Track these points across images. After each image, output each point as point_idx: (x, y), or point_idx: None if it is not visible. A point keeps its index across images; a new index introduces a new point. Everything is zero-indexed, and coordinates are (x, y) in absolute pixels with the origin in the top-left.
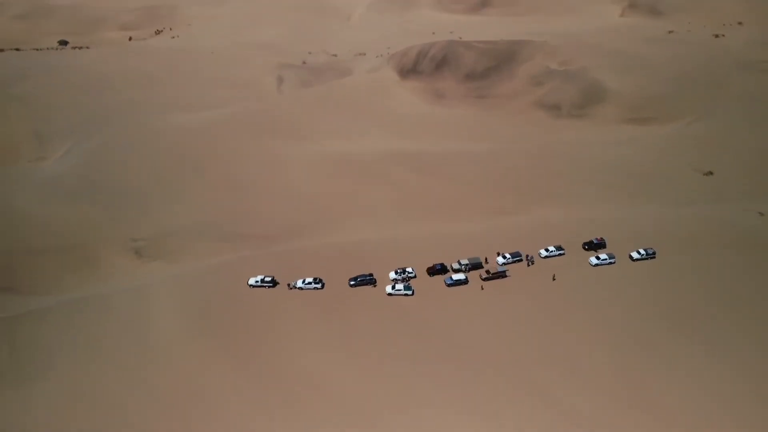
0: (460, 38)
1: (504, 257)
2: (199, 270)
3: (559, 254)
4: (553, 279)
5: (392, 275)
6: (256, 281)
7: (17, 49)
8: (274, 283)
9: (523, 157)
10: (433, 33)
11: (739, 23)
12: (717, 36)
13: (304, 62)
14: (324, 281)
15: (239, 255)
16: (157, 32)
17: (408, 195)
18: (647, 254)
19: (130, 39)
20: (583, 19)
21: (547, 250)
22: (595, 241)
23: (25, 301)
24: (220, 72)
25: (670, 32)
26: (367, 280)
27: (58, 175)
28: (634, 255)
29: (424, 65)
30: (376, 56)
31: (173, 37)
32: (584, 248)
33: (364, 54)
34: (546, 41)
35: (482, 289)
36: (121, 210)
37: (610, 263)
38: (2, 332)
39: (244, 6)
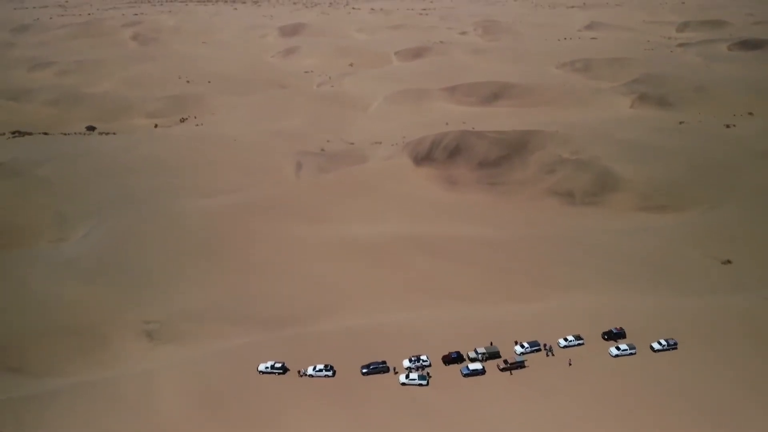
0: (473, 128)
1: (522, 346)
2: (209, 354)
3: (579, 344)
4: (569, 364)
5: (406, 363)
6: (266, 367)
7: (45, 134)
8: (284, 369)
9: (537, 243)
10: (447, 123)
11: (750, 114)
12: (728, 126)
13: (322, 149)
14: (335, 368)
15: (250, 339)
16: (182, 120)
17: (423, 279)
18: (669, 345)
19: (156, 126)
20: (593, 110)
21: (566, 339)
22: (614, 331)
23: (33, 383)
24: (241, 158)
25: (681, 123)
26: (380, 368)
27: (76, 256)
28: (655, 346)
29: (438, 153)
30: (392, 144)
31: (197, 125)
32: (603, 338)
33: (381, 142)
34: (557, 131)
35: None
36: (135, 292)
37: (631, 353)
38: (8, 414)
39: (266, 96)
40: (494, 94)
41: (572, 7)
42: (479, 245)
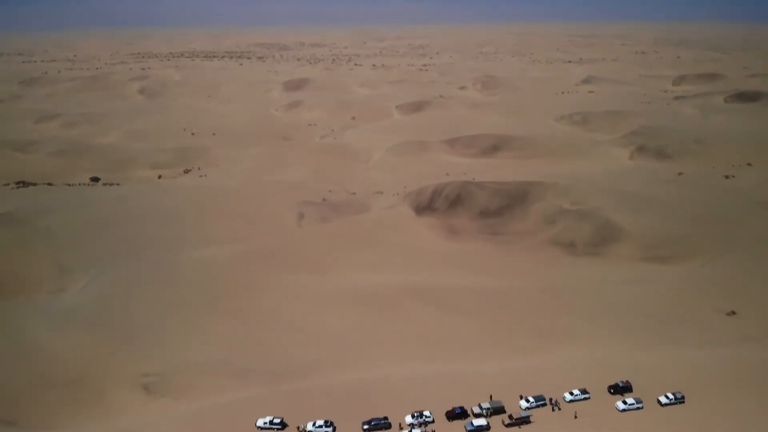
0: (474, 179)
1: (527, 401)
2: (207, 408)
3: (585, 398)
4: (575, 417)
5: (408, 419)
6: (265, 423)
7: (50, 184)
8: (282, 425)
9: (540, 294)
10: (447, 174)
11: (748, 164)
12: (727, 177)
13: (324, 199)
14: (335, 424)
15: (249, 393)
16: (186, 171)
17: (425, 331)
18: (676, 399)
19: (160, 177)
20: (593, 162)
21: (571, 393)
22: (620, 384)
23: None
24: (243, 208)
25: (680, 174)
26: (381, 425)
27: (75, 306)
28: (663, 399)
29: (439, 203)
30: (393, 194)
31: (201, 176)
32: (610, 392)
33: (382, 192)
34: (557, 182)
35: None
36: (134, 344)
37: (638, 408)
38: None
39: (270, 148)
40: (494, 146)
41: (569, 62)
42: (482, 296)
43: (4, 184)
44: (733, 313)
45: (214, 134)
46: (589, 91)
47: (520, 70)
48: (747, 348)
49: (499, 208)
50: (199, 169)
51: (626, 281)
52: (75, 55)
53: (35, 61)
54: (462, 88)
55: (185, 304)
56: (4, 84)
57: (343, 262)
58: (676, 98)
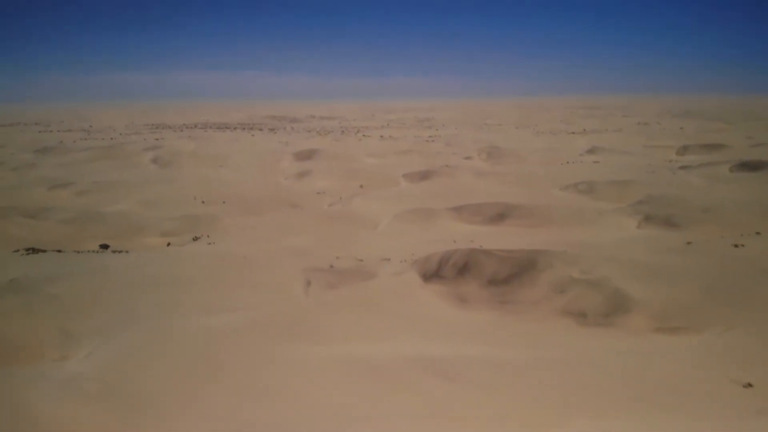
0: (481, 246)
1: None
2: None
3: None
4: None
5: None
6: None
7: (59, 251)
8: None
9: (553, 365)
10: (455, 241)
11: (757, 233)
12: (737, 246)
13: (331, 266)
14: None
15: None
16: (195, 239)
17: (436, 405)
18: None
19: (169, 245)
20: (600, 230)
21: None
22: None
23: None
24: (250, 275)
25: (688, 243)
26: None
27: (77, 376)
28: None
29: (447, 270)
30: (401, 261)
31: (209, 243)
32: None
33: (389, 259)
34: (565, 250)
35: None
36: (135, 416)
37: None
38: None
39: (279, 216)
40: (500, 214)
41: (573, 133)
42: (493, 367)
43: (14, 251)
44: (750, 385)
45: (224, 202)
46: (594, 161)
47: (524, 140)
48: (765, 421)
49: (507, 277)
50: (208, 236)
51: (639, 353)
52: (91, 126)
53: (51, 131)
54: (467, 158)
55: (188, 374)
56: (19, 152)
57: (349, 330)
58: (681, 168)
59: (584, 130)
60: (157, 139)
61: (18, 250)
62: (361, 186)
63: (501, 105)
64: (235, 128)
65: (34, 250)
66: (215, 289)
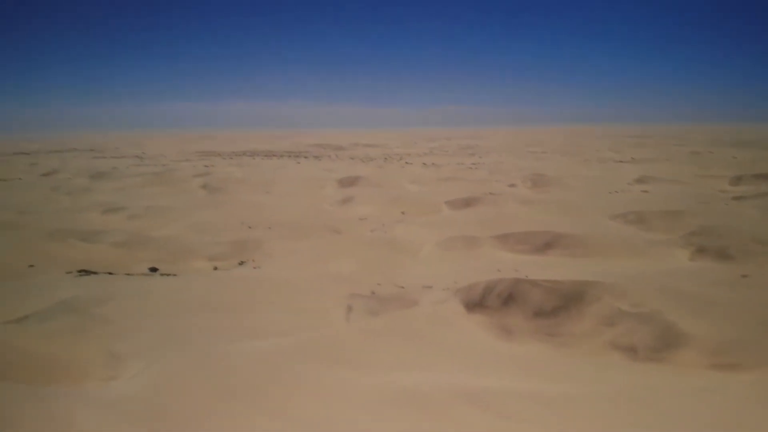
0: (527, 276)
1: None
2: None
3: None
4: None
5: None
6: None
7: (110, 273)
8: None
9: (601, 402)
10: (499, 270)
11: None
12: None
13: (373, 293)
14: None
15: None
16: (241, 263)
17: None
18: None
19: (215, 268)
20: (650, 262)
21: None
22: None
23: None
24: (293, 300)
25: (744, 276)
26: None
27: (123, 397)
28: None
29: (491, 300)
30: (443, 289)
31: (255, 268)
32: None
33: (431, 287)
34: (614, 282)
35: None
36: None
37: None
38: None
39: (321, 241)
40: (546, 243)
41: (621, 161)
42: (539, 402)
43: (68, 272)
44: None
45: (269, 227)
46: (643, 191)
47: (570, 168)
48: None
49: (554, 308)
50: (253, 260)
51: (692, 390)
52: (143, 153)
53: (106, 157)
54: (512, 185)
55: (230, 399)
56: (76, 178)
57: (390, 359)
58: (735, 198)
59: (633, 158)
60: (206, 166)
61: (71, 272)
62: (403, 212)
63: (546, 132)
64: (281, 156)
65: (86, 272)
66: (259, 313)
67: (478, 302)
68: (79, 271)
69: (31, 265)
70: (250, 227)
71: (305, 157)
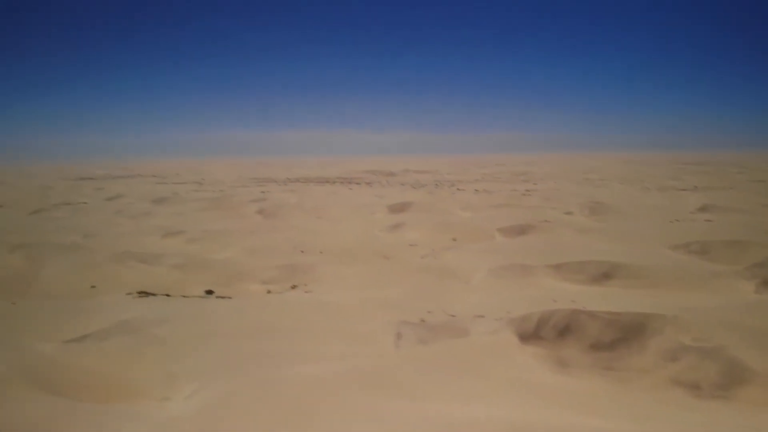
0: (584, 307)
1: None
2: None
3: None
4: None
5: None
6: None
7: (168, 295)
8: None
9: None
10: (555, 301)
11: None
12: None
13: (422, 320)
14: None
15: None
16: (293, 287)
17: None
18: None
19: (269, 292)
20: (714, 294)
21: None
22: None
23: None
24: (343, 325)
25: None
26: None
27: (177, 418)
28: None
29: (546, 331)
30: (495, 319)
31: (306, 292)
32: None
33: (483, 316)
34: (677, 315)
35: None
36: None
37: None
38: None
39: (372, 267)
40: (604, 273)
41: (683, 189)
42: None
43: (128, 293)
44: None
45: (321, 252)
46: (706, 220)
47: (629, 196)
48: None
49: (613, 341)
50: (305, 285)
51: (757, 429)
52: (203, 179)
53: (167, 183)
54: (568, 213)
55: (281, 423)
56: (138, 202)
57: (441, 389)
58: None
59: (695, 186)
60: (262, 192)
61: (131, 293)
62: (454, 239)
63: (603, 159)
64: (333, 182)
65: (145, 294)
66: (309, 337)
67: (532, 333)
68: (139, 293)
69: (93, 286)
70: (302, 252)
71: (357, 184)
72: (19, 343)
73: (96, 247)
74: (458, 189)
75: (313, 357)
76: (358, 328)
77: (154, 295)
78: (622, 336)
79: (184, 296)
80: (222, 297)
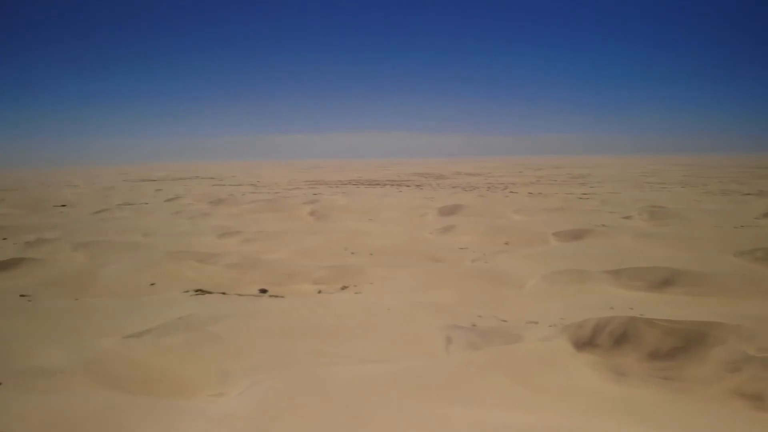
0: (642, 315)
1: None
2: None
3: None
4: None
5: None
6: None
7: (223, 293)
8: None
9: None
10: (611, 308)
11: None
12: None
13: (473, 325)
14: None
15: None
16: (343, 288)
17: None
18: None
19: (319, 292)
20: None
21: None
22: None
23: None
24: (392, 327)
25: None
26: None
27: (229, 414)
28: None
29: (602, 339)
30: (549, 325)
31: (356, 293)
32: None
33: (537, 323)
34: (740, 324)
35: None
36: None
37: None
38: None
39: (421, 269)
40: (664, 280)
41: (747, 194)
42: None
43: (185, 291)
44: None
45: (371, 254)
46: None
47: (691, 201)
48: None
49: (672, 350)
50: (355, 286)
51: None
52: (258, 181)
53: (224, 185)
54: (627, 217)
55: (331, 423)
56: (196, 203)
57: (492, 395)
58: None
59: (760, 191)
60: (314, 194)
61: (188, 291)
62: (506, 243)
63: (664, 162)
64: (384, 185)
65: (201, 292)
66: (359, 338)
67: (587, 341)
68: (196, 291)
69: (153, 284)
70: (352, 253)
71: (407, 186)
72: (81, 337)
73: (156, 246)
74: (511, 192)
75: (362, 357)
76: (407, 330)
77: (210, 293)
78: (681, 345)
79: (239, 294)
80: (275, 296)
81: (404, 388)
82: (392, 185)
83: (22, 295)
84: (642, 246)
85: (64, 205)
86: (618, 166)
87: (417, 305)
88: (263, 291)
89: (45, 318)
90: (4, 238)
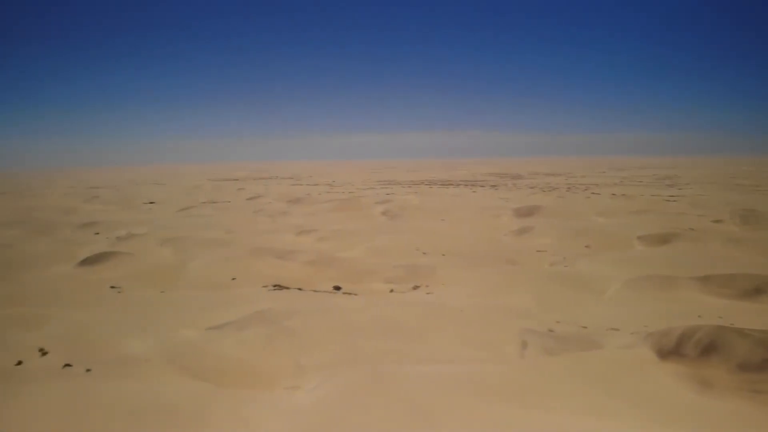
0: (732, 324)
1: None
2: None
3: None
4: None
5: None
6: None
7: (299, 289)
8: None
9: None
10: (699, 316)
11: None
12: None
13: (550, 330)
14: None
15: None
16: (415, 288)
17: None
18: None
19: (391, 291)
20: None
21: None
22: None
23: None
24: (465, 329)
25: None
26: None
27: (303, 407)
28: None
29: (688, 349)
30: (631, 333)
31: (428, 293)
32: None
33: (618, 330)
34: None
35: None
36: None
37: None
38: None
39: (495, 272)
40: (756, 288)
41: None
42: None
43: (264, 286)
44: None
45: (443, 255)
46: None
47: None
48: None
49: (763, 362)
50: (427, 286)
51: None
52: (334, 181)
53: (302, 185)
54: (717, 221)
55: (401, 421)
56: (275, 202)
57: (566, 401)
58: None
59: None
60: (388, 194)
61: (266, 286)
62: (587, 246)
63: (757, 163)
64: (457, 185)
65: (279, 287)
66: (431, 338)
67: (672, 350)
68: (274, 286)
69: (234, 278)
70: (424, 253)
71: (481, 186)
72: (165, 328)
73: (237, 242)
74: (593, 193)
75: (434, 358)
76: (480, 333)
77: (287, 288)
78: None
79: (314, 291)
80: (348, 293)
81: (474, 391)
82: (466, 185)
83: (112, 287)
84: (733, 251)
85: (152, 203)
86: (708, 167)
87: (491, 308)
88: (337, 288)
89: (132, 309)
90: (97, 233)
